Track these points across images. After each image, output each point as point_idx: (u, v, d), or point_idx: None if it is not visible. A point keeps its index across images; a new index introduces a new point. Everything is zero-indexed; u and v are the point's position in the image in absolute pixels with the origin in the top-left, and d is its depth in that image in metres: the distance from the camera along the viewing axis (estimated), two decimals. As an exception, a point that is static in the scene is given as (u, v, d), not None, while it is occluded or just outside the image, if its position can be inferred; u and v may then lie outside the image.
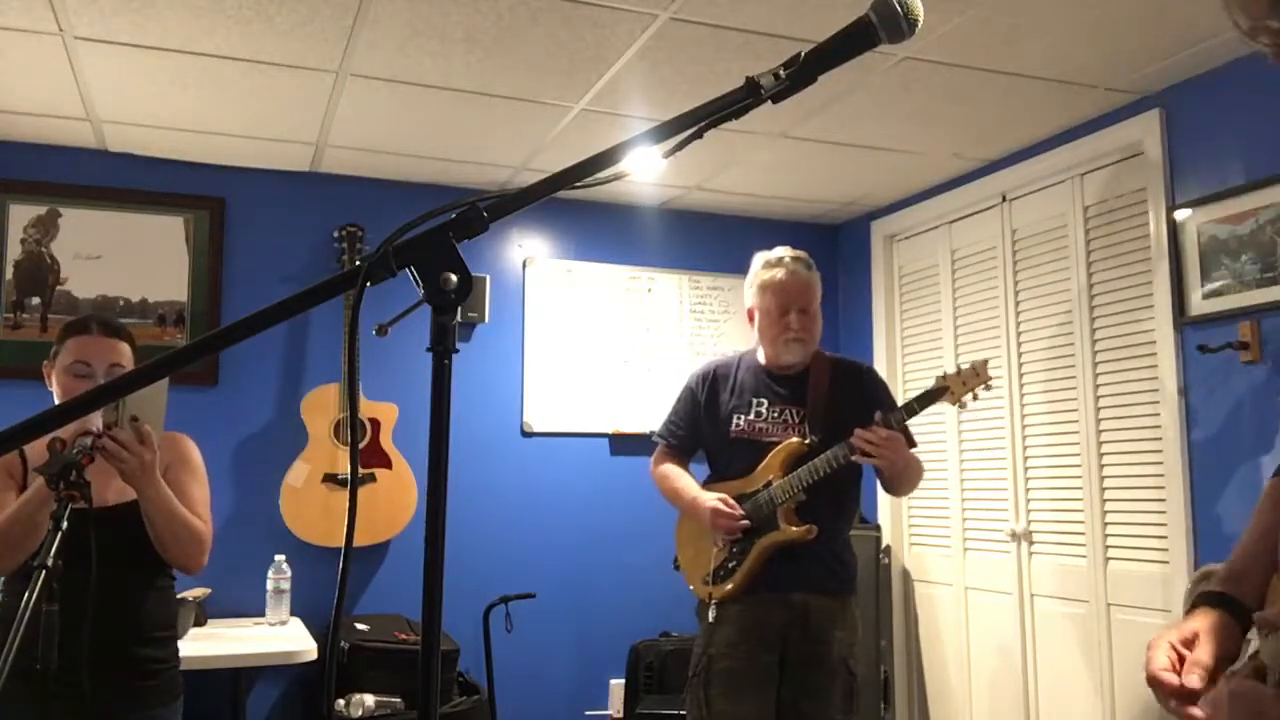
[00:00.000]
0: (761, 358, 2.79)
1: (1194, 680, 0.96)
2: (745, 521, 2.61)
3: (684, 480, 2.80)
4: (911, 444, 2.65)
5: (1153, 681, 1.02)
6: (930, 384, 2.66)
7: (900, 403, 2.65)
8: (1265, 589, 1.05)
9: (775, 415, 2.70)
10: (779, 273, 2.69)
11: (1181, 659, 1.02)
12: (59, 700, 1.86)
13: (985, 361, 2.65)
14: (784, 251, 2.75)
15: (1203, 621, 1.05)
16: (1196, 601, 1.08)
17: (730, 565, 2.64)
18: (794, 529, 2.59)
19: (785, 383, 2.73)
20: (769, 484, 2.63)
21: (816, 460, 2.57)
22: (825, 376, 2.72)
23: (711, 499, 2.65)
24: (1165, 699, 1.00)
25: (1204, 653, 0.99)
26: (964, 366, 2.63)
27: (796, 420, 2.68)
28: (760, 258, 2.78)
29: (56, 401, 2.11)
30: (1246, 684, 0.86)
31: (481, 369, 4.09)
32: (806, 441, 2.63)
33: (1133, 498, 3.18)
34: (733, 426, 2.72)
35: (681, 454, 2.88)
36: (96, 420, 1.90)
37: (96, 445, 1.86)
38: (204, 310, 3.76)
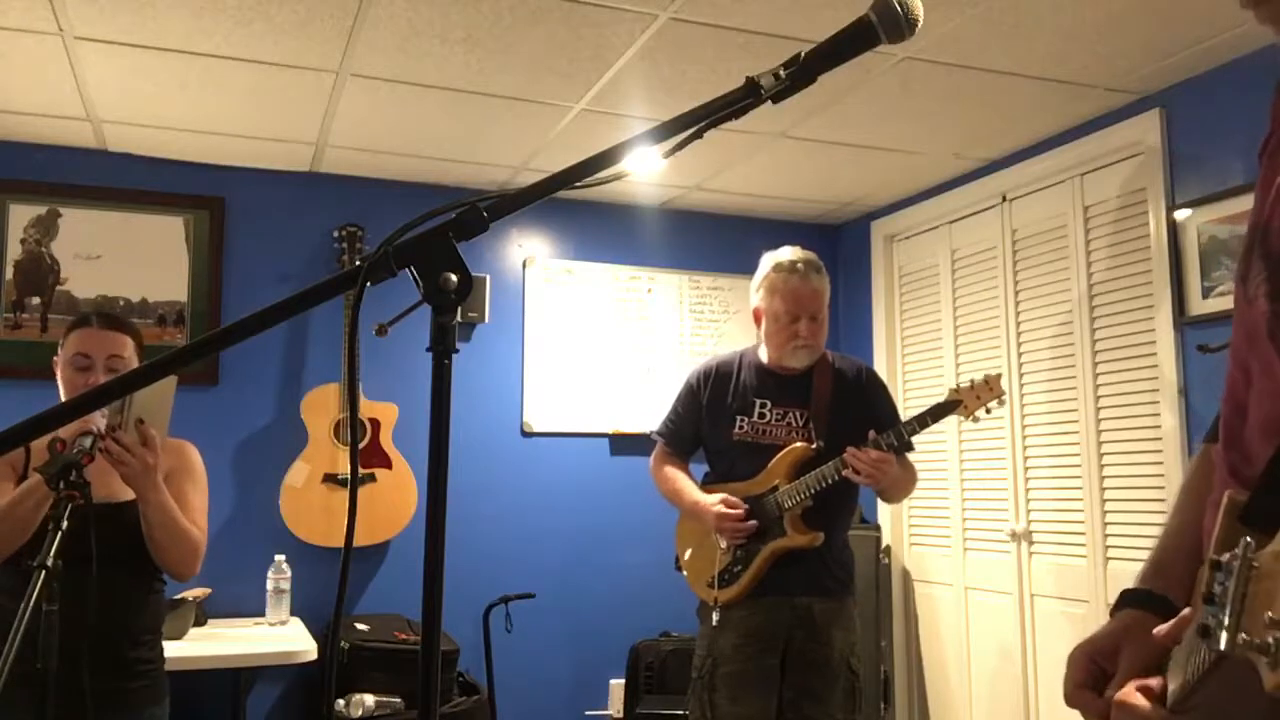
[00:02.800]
0: (764, 356, 2.77)
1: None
2: (753, 523, 2.60)
3: (684, 481, 2.79)
4: (909, 449, 2.64)
5: (1072, 702, 0.94)
6: (942, 396, 2.62)
7: (909, 414, 2.63)
8: (1191, 580, 0.92)
9: (778, 417, 2.69)
10: (792, 279, 2.65)
11: (1104, 673, 0.94)
12: (58, 701, 1.86)
13: (998, 376, 2.60)
14: (795, 254, 2.70)
15: (1121, 629, 0.96)
16: (1119, 601, 1.00)
17: (735, 569, 2.63)
18: (802, 536, 2.58)
19: (788, 383, 2.72)
20: (775, 488, 2.62)
21: (824, 468, 2.56)
22: (828, 379, 2.71)
23: (715, 501, 2.64)
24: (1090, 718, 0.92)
25: (1126, 669, 0.91)
26: (976, 380, 2.59)
27: (800, 423, 2.67)
28: (770, 258, 2.73)
29: (62, 397, 2.11)
30: (1145, 706, 0.77)
31: (481, 369, 4.09)
32: (814, 446, 2.62)
33: (1133, 498, 3.18)
34: (736, 428, 2.70)
35: (681, 453, 2.87)
36: (98, 419, 1.89)
37: (101, 447, 1.86)
38: (204, 310, 3.76)
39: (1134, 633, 0.93)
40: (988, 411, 2.58)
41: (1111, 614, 1.00)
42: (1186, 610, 0.78)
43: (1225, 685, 0.69)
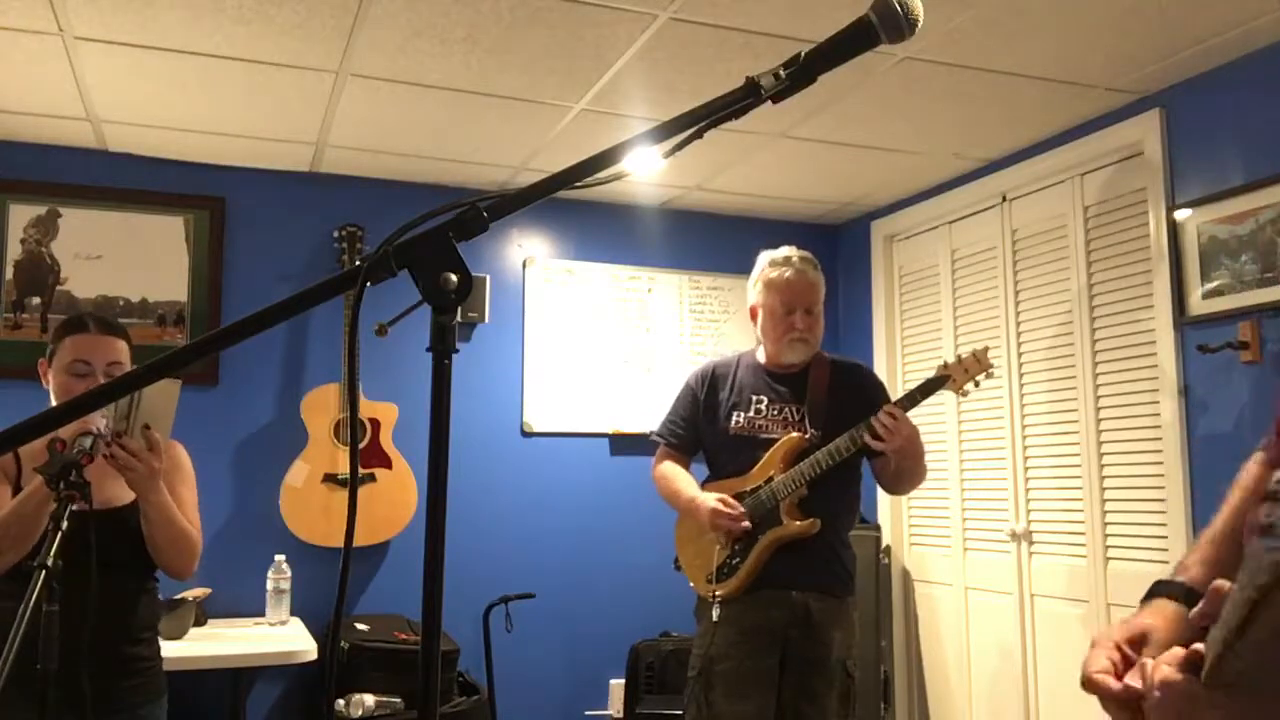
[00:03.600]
0: (761, 357, 2.80)
1: (1138, 682, 0.79)
2: (746, 524, 2.60)
3: (682, 481, 2.80)
4: None
5: (1088, 685, 0.89)
6: (931, 374, 2.67)
7: (901, 394, 2.67)
8: (1231, 574, 0.87)
9: (775, 413, 2.71)
10: (786, 272, 2.71)
11: (1127, 661, 0.90)
12: (58, 700, 1.86)
13: (985, 349, 2.66)
14: (790, 251, 2.76)
15: (1153, 617, 0.93)
16: (1152, 591, 0.97)
17: (733, 562, 2.64)
18: (797, 523, 2.60)
19: (785, 381, 2.74)
20: (770, 479, 2.63)
21: (819, 453, 2.58)
22: (825, 375, 2.73)
23: (711, 500, 2.65)
24: (1107, 705, 0.87)
25: (1154, 653, 0.86)
26: (964, 354, 2.65)
27: (796, 418, 2.70)
28: (766, 256, 2.79)
29: (53, 401, 2.11)
30: (1180, 679, 0.71)
31: (481, 369, 4.09)
32: (807, 436, 2.64)
33: (1133, 497, 3.18)
34: (732, 424, 2.72)
35: (682, 453, 2.88)
36: (97, 420, 1.89)
37: (107, 453, 1.86)
38: (204, 310, 3.76)
39: (1170, 623, 0.91)
40: (976, 385, 2.64)
41: (1142, 603, 0.98)
42: (1218, 582, 0.74)
43: (1269, 641, 0.65)
